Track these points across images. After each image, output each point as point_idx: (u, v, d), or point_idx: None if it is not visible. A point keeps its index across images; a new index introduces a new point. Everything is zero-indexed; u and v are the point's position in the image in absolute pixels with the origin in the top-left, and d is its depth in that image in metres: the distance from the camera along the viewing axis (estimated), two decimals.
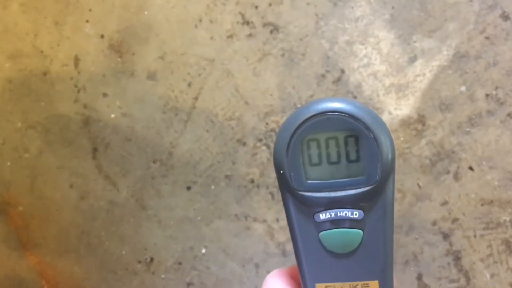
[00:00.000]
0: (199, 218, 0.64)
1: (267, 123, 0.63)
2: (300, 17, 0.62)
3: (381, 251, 0.29)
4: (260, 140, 0.63)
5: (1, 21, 0.69)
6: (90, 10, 0.66)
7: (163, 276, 0.65)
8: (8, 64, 0.68)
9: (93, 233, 0.66)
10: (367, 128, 0.28)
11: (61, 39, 0.67)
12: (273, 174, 0.63)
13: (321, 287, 0.30)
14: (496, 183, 0.58)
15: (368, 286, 0.29)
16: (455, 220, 0.59)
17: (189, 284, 0.65)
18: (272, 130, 0.63)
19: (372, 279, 0.29)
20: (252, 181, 0.63)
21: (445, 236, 0.60)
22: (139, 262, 0.66)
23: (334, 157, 0.29)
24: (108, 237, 0.66)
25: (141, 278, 0.66)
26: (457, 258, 0.59)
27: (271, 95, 0.63)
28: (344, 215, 0.28)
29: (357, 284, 0.30)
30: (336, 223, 0.29)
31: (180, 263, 0.65)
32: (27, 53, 0.68)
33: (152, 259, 0.65)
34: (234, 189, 0.64)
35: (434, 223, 0.60)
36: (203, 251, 0.64)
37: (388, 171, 0.28)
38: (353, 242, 0.29)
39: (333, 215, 0.29)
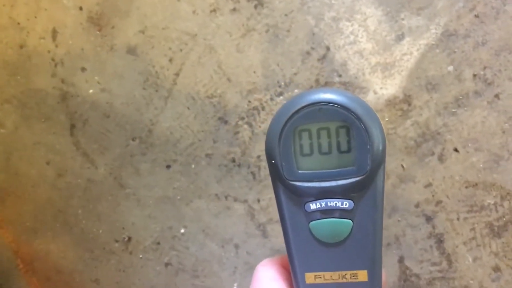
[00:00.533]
0: (178, 197, 0.62)
1: (249, 101, 0.61)
2: None
3: (371, 241, 0.29)
4: (242, 118, 0.61)
5: None
6: None
7: (141, 256, 0.63)
8: None
9: (70, 211, 0.64)
10: (359, 119, 0.28)
11: (38, 10, 0.64)
12: (255, 153, 0.61)
13: (310, 276, 0.30)
14: (481, 165, 0.57)
15: (357, 276, 0.30)
16: (438, 202, 0.58)
17: (167, 264, 0.63)
18: (255, 108, 0.60)
19: (361, 268, 0.30)
20: (233, 160, 0.61)
21: (428, 219, 0.58)
22: (117, 241, 0.64)
23: (325, 148, 0.29)
24: (85, 216, 0.64)
25: (118, 257, 0.64)
26: (440, 241, 0.58)
27: (255, 72, 0.60)
28: (334, 205, 0.29)
29: (346, 274, 0.30)
30: (326, 213, 0.29)
31: (158, 243, 0.63)
32: (3, 25, 0.65)
33: (130, 239, 0.64)
34: (215, 168, 0.62)
35: (417, 205, 0.58)
36: (182, 231, 0.63)
37: (378, 162, 0.28)
38: (343, 232, 0.29)
39: (323, 205, 0.29)
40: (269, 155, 0.29)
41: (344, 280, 0.30)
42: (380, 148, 0.28)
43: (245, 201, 0.61)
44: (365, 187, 0.28)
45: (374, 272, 0.30)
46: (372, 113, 0.28)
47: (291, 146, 0.29)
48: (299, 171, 0.29)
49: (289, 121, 0.28)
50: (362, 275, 0.29)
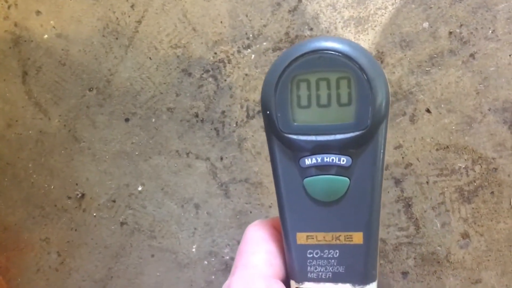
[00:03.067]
0: (137, 153, 0.57)
1: (215, 53, 0.55)
2: None
3: (368, 201, 0.27)
4: (207, 71, 0.55)
5: None
6: None
7: (94, 214, 0.58)
8: None
9: (19, 165, 0.58)
10: (361, 69, 0.25)
11: None
12: (219, 109, 0.56)
13: (302, 237, 0.28)
14: (453, 127, 0.53)
15: (351, 238, 0.27)
16: (408, 165, 0.53)
17: (122, 223, 0.58)
18: (221, 60, 0.55)
19: (357, 230, 0.27)
20: (196, 115, 0.56)
21: (397, 182, 0.54)
22: (69, 198, 0.58)
23: (324, 100, 0.26)
24: (36, 170, 0.58)
25: (70, 215, 0.58)
26: (408, 205, 0.54)
27: (222, 22, 0.55)
28: (331, 161, 0.26)
29: (340, 235, 0.27)
30: (322, 169, 0.27)
31: (114, 201, 0.57)
32: None
33: (83, 195, 0.58)
34: (177, 123, 0.56)
35: (386, 168, 0.54)
36: (140, 188, 0.57)
37: (380, 117, 0.26)
38: (339, 190, 0.27)
39: (319, 160, 0.26)
40: (264, 106, 0.27)
41: (338, 242, 0.27)
42: (384, 102, 0.25)
43: (207, 158, 0.56)
44: (364, 143, 0.26)
45: (370, 235, 0.27)
46: (376, 64, 0.26)
47: (288, 96, 0.26)
48: (295, 124, 0.26)
49: (286, 69, 0.26)
50: (357, 237, 0.27)
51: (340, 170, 0.26)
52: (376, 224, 0.27)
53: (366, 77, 0.25)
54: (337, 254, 0.27)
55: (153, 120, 0.57)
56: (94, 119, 0.57)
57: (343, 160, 0.26)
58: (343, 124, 0.26)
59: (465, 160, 0.53)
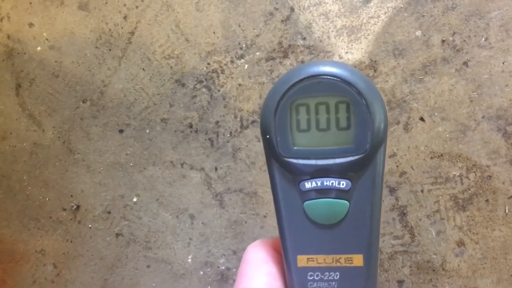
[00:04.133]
0: (131, 164, 0.56)
1: (208, 63, 0.55)
2: None
3: (368, 224, 0.27)
4: (201, 81, 0.55)
5: None
6: None
7: (90, 225, 0.57)
8: None
9: (14, 177, 0.57)
10: (360, 94, 0.25)
11: None
12: (213, 119, 0.55)
13: (303, 259, 0.28)
14: (447, 135, 0.52)
15: (352, 260, 0.27)
16: (402, 173, 0.53)
17: (118, 234, 0.57)
18: (214, 71, 0.54)
19: (357, 252, 0.27)
20: (190, 125, 0.55)
21: (392, 190, 0.53)
22: (64, 209, 0.57)
23: (323, 124, 0.26)
24: (31, 182, 0.57)
25: (65, 227, 0.57)
26: (403, 213, 0.53)
27: (214, 32, 0.54)
28: (330, 184, 0.26)
29: (340, 257, 0.27)
30: (322, 192, 0.27)
31: (109, 212, 0.57)
32: None
33: (78, 207, 0.57)
34: (171, 133, 0.55)
35: None
36: (135, 199, 0.56)
37: (379, 141, 0.26)
38: (338, 213, 0.27)
39: (319, 184, 0.26)
40: (264, 130, 0.27)
41: (338, 264, 0.27)
42: (382, 125, 0.25)
43: (202, 169, 0.55)
44: (364, 166, 0.26)
45: (370, 257, 0.27)
46: (374, 89, 0.26)
47: (287, 121, 0.26)
48: (295, 148, 0.26)
49: (286, 94, 0.26)
50: (358, 260, 0.27)
51: (340, 193, 0.26)
52: (376, 246, 0.27)
53: (364, 102, 0.25)
54: (338, 276, 0.27)
55: (147, 131, 0.56)
56: (88, 130, 0.56)
57: (343, 184, 0.26)
58: (342, 148, 0.26)
59: (460, 168, 0.52)
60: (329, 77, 0.25)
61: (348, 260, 0.27)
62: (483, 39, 0.51)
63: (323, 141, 0.26)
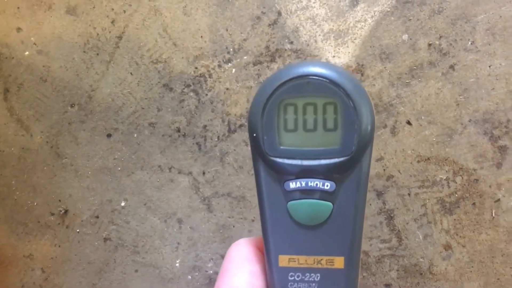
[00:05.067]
0: (119, 168, 0.56)
1: (196, 68, 0.54)
2: None
3: (350, 226, 0.27)
4: (189, 85, 0.54)
5: None
6: None
7: (78, 230, 0.57)
8: None
9: (2, 182, 0.57)
10: (348, 96, 0.25)
11: None
12: (201, 123, 0.54)
13: (284, 259, 0.28)
14: (434, 139, 0.52)
15: (333, 262, 0.27)
16: (390, 177, 0.52)
17: (106, 239, 0.56)
18: (202, 75, 0.54)
19: (338, 255, 0.27)
20: (178, 130, 0.55)
21: (379, 194, 0.53)
22: (52, 214, 0.57)
23: (310, 124, 0.26)
24: (19, 187, 0.57)
25: (53, 231, 0.57)
26: (390, 217, 0.53)
27: (202, 37, 0.54)
28: (315, 185, 0.26)
29: (322, 259, 0.27)
30: (306, 193, 0.27)
31: (97, 217, 0.56)
32: None
33: (66, 212, 0.57)
34: (159, 138, 0.55)
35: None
36: (123, 204, 0.56)
37: (365, 143, 0.26)
38: (322, 214, 0.27)
39: (303, 184, 0.27)
40: (251, 128, 0.27)
41: (319, 266, 0.27)
42: (369, 128, 0.26)
43: (190, 173, 0.55)
44: (349, 169, 0.26)
45: (351, 260, 0.27)
46: (362, 91, 0.26)
47: (275, 120, 0.26)
48: (281, 147, 0.26)
49: (274, 93, 0.26)
50: (339, 262, 0.27)
51: (324, 195, 0.26)
52: (358, 249, 0.27)
53: (352, 104, 0.25)
54: (318, 278, 0.27)
55: (135, 135, 0.55)
56: (76, 135, 0.56)
57: (327, 185, 0.26)
58: (329, 149, 0.26)
59: (446, 171, 0.52)
60: (318, 77, 0.25)
61: (329, 262, 0.27)
62: (470, 43, 0.51)
63: (309, 141, 0.26)
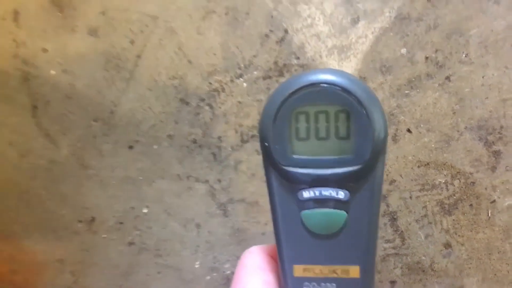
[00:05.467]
0: (141, 178, 0.60)
1: (210, 83, 0.58)
2: None
3: (365, 235, 0.27)
4: (203, 99, 0.58)
5: None
6: None
7: (104, 235, 0.61)
8: None
9: (33, 192, 0.61)
10: (360, 103, 0.25)
11: None
12: (215, 134, 0.59)
13: (299, 269, 0.27)
14: (432, 145, 0.55)
15: (348, 271, 0.27)
16: (392, 181, 0.56)
17: (130, 243, 0.61)
18: (215, 90, 0.58)
19: (353, 264, 0.27)
20: (195, 141, 0.59)
21: (383, 198, 0.57)
22: (80, 221, 0.61)
23: (323, 133, 0.26)
24: (49, 197, 0.61)
25: (81, 237, 0.61)
26: (393, 219, 0.57)
27: (215, 54, 0.58)
28: (329, 194, 0.26)
29: (337, 268, 0.27)
30: (320, 202, 0.26)
31: (121, 223, 0.61)
32: None
33: (93, 219, 0.61)
34: (177, 149, 0.59)
35: None
36: (145, 211, 0.60)
37: (378, 151, 0.25)
38: (336, 223, 0.26)
39: (317, 193, 0.26)
40: (262, 138, 0.26)
41: (335, 275, 0.27)
42: (382, 136, 0.25)
43: (206, 181, 0.59)
44: (363, 177, 0.26)
45: (366, 269, 0.27)
46: (375, 98, 0.25)
47: (287, 129, 0.26)
48: (294, 156, 0.26)
49: (285, 102, 0.25)
50: (354, 271, 0.27)
51: (338, 204, 0.26)
52: (373, 257, 0.27)
53: (365, 112, 0.25)
54: (334, 287, 0.27)
55: (155, 147, 0.60)
56: (100, 147, 0.60)
57: (341, 194, 0.26)
58: (342, 157, 0.26)
59: (445, 175, 0.56)
60: (329, 85, 0.25)
61: (344, 271, 0.27)
62: (464, 55, 0.55)
63: (322, 150, 0.26)
